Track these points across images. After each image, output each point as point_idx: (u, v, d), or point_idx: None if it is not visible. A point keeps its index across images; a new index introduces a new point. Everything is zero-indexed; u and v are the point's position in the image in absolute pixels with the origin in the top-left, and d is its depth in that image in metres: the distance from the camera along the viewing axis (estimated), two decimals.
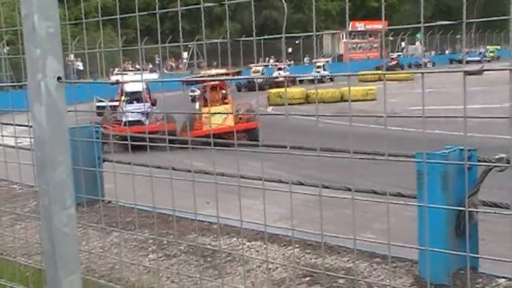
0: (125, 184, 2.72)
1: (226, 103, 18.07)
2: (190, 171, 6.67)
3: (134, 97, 18.47)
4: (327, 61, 46.76)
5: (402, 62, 54.47)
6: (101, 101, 21.48)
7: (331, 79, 34.61)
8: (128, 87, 17.93)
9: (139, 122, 16.08)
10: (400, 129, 12.77)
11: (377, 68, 44.32)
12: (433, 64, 52.62)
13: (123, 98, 18.70)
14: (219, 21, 48.57)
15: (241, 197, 2.12)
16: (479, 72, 1.42)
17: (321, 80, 34.94)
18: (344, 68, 45.87)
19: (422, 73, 1.34)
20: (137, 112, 16.70)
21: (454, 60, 56.42)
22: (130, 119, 16.02)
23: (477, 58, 51.23)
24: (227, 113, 17.13)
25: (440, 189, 3.78)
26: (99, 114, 17.73)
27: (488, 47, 63.36)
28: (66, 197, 1.89)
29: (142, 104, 17.27)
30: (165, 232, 5.18)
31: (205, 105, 16.98)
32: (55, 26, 1.85)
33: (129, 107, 17.56)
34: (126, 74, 23.28)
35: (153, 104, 18.02)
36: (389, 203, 1.51)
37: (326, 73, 35.51)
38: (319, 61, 43.21)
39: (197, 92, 27.86)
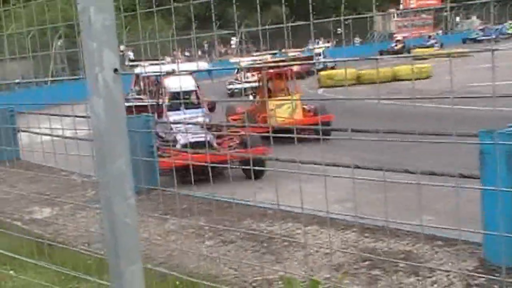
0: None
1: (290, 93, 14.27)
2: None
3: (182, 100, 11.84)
4: (328, 47, 42.28)
5: (447, 40, 51.63)
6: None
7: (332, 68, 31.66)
8: (173, 84, 11.50)
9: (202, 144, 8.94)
10: (464, 108, 12.12)
11: (408, 50, 41.05)
12: (441, 45, 48.76)
13: (163, 101, 11.94)
14: (267, 5, 48.34)
15: (292, 181, 2.08)
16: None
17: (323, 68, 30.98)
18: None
19: (452, 53, 1.26)
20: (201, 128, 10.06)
21: (468, 39, 52.92)
22: (196, 139, 9.54)
23: (493, 36, 45.01)
24: (285, 102, 13.55)
25: (505, 169, 3.63)
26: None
27: (509, 21, 58.96)
28: (126, 188, 1.90)
29: (198, 110, 11.01)
30: (221, 219, 5.21)
31: (269, 96, 14.14)
32: (110, 19, 1.85)
33: (176, 115, 10.99)
34: (140, 64, 15.34)
35: (211, 109, 11.97)
36: (457, 187, 1.44)
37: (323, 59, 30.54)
38: (318, 47, 38.10)
39: (237, 86, 24.32)
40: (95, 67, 1.86)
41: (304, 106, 14.07)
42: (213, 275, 3.83)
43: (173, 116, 11.09)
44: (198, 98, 11.91)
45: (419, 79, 24.95)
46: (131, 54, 36.09)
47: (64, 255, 3.80)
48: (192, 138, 9.73)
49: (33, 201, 6.56)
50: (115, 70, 1.89)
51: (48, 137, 4.39)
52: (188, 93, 11.98)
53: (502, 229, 3.08)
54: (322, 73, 28.66)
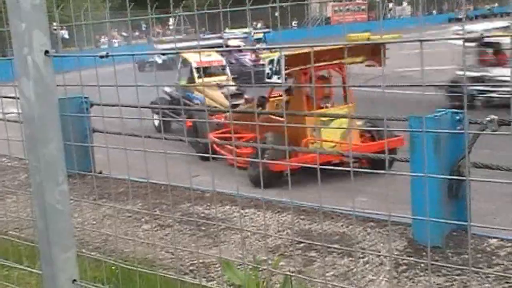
0: (115, 154, 2.68)
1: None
2: (181, 140, 6.65)
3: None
4: (269, 32, 38.57)
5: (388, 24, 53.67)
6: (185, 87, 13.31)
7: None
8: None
9: None
10: (396, 92, 12.34)
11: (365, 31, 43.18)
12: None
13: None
14: None
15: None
16: (479, 39, 1.38)
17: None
18: (331, 31, 45.38)
19: (420, 41, 1.30)
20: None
21: (452, 19, 55.59)
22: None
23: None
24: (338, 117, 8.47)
25: (432, 152, 3.79)
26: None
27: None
28: (58, 174, 1.86)
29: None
30: (158, 202, 5.17)
31: (309, 108, 8.65)
32: None
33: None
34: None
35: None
36: (387, 173, 1.49)
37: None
38: (257, 32, 35.06)
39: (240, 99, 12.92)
40: (24, 48, 1.79)
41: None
42: (149, 259, 3.81)
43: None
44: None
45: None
46: (65, 33, 34.90)
47: None
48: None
49: None
50: (46, 52, 1.83)
51: None
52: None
53: (428, 212, 3.22)
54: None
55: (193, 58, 13.42)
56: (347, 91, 9.42)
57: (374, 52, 8.75)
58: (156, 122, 12.25)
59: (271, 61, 8.11)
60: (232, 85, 13.43)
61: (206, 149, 8.85)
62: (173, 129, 12.27)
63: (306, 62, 8.40)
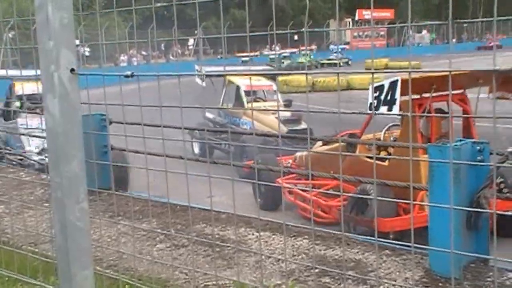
0: (133, 172, 2.69)
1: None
2: (206, 161, 6.63)
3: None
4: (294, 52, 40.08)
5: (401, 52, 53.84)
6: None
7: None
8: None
9: None
10: None
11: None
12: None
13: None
14: (226, 8, 48.38)
15: None
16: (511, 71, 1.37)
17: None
18: (350, 56, 45.60)
19: (450, 71, 1.30)
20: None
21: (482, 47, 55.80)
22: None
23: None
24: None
25: (452, 183, 3.74)
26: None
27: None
28: (80, 191, 1.87)
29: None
30: (173, 222, 5.16)
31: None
32: (68, 17, 1.81)
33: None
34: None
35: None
36: (411, 202, 1.47)
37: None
38: (270, 54, 36.05)
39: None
40: (51, 66, 1.82)
41: None
42: (163, 279, 3.79)
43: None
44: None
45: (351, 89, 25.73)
46: (87, 50, 35.44)
47: (9, 255, 3.69)
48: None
49: None
50: (72, 70, 1.85)
51: None
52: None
53: (445, 240, 3.17)
54: (279, 78, 28.92)
55: (242, 82, 12.71)
56: (472, 127, 7.59)
57: (506, 81, 6.37)
58: (196, 150, 11.54)
59: (378, 88, 5.95)
60: (288, 109, 12.01)
61: (273, 196, 7.73)
62: (214, 157, 11.03)
63: (422, 90, 6.86)
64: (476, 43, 60.17)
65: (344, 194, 6.73)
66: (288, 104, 13.50)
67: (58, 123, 1.82)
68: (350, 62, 43.09)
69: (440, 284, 3.74)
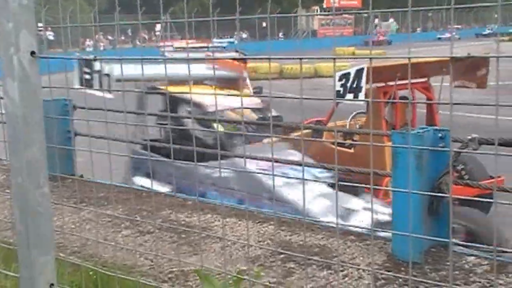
0: (97, 158, 2.66)
1: None
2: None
3: None
4: (233, 42, 38.13)
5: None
6: None
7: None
8: None
9: None
10: None
11: (365, 43, 44.57)
12: (389, 43, 51.68)
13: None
14: None
15: None
16: (467, 58, 1.41)
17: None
18: (318, 44, 45.72)
19: (410, 58, 1.32)
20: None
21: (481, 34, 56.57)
22: None
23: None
24: None
25: (414, 169, 3.81)
26: None
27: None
28: (40, 176, 1.84)
29: None
30: (138, 208, 5.13)
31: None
32: None
33: None
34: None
35: None
36: (371, 187, 1.50)
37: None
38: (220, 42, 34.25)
39: None
40: (11, 48, 1.78)
41: None
42: (128, 265, 3.77)
43: None
44: None
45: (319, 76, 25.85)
46: (51, 34, 34.64)
47: None
48: None
49: None
50: (33, 53, 1.82)
51: None
52: None
53: (407, 225, 3.24)
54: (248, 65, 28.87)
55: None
56: (435, 115, 7.84)
57: (468, 70, 6.58)
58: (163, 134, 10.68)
59: (344, 75, 5.72)
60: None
61: None
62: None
63: (387, 78, 6.99)
64: (442, 32, 61.08)
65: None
66: (259, 91, 13.15)
67: (18, 107, 1.79)
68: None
69: (402, 268, 3.82)
